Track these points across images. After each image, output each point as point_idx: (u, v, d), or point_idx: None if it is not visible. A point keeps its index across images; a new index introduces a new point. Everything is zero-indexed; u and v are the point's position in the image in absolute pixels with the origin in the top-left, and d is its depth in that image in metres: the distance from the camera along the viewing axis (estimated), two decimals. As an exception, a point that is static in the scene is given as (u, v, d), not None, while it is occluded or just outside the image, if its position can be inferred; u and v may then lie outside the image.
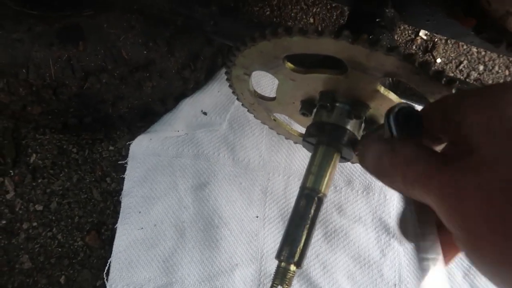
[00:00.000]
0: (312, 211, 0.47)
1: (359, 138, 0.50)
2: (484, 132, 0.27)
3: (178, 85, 0.75)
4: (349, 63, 0.42)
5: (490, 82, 0.88)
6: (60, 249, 0.79)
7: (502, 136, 0.26)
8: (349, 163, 0.77)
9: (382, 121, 0.52)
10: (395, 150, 0.34)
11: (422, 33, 0.92)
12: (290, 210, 0.75)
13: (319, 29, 0.40)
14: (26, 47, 0.63)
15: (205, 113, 0.81)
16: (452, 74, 0.88)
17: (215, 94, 0.82)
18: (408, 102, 0.41)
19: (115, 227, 0.76)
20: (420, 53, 0.90)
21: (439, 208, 0.28)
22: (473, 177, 0.26)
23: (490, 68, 0.89)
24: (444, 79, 0.39)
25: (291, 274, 0.45)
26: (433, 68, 0.38)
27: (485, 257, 0.26)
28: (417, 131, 0.35)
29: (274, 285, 0.45)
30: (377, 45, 0.38)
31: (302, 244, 0.46)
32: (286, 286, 0.45)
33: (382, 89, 0.45)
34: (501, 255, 0.25)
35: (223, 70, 0.83)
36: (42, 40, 0.63)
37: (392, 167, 0.34)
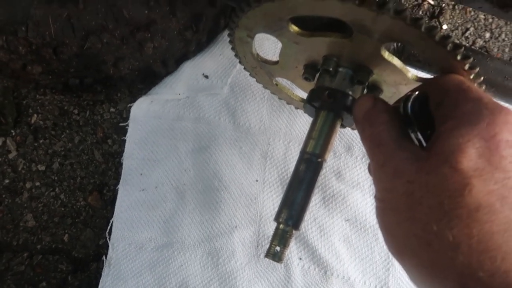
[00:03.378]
0: (311, 175, 0.48)
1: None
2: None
3: (180, 46, 0.74)
4: (354, 26, 0.41)
5: (495, 50, 0.87)
6: (63, 209, 0.81)
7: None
8: (349, 129, 0.77)
9: (384, 87, 0.52)
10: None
11: (429, -2, 0.90)
12: (289, 174, 0.76)
13: (325, -10, 0.39)
14: (24, 4, 0.62)
15: (206, 77, 0.80)
16: (457, 41, 0.87)
17: (217, 57, 0.81)
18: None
19: (116, 188, 0.77)
20: (426, 19, 0.89)
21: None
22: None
23: (497, 35, 0.87)
24: (450, 45, 0.38)
25: (289, 236, 0.47)
26: (439, 34, 0.38)
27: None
28: (429, 118, 0.38)
29: (273, 245, 0.46)
30: (384, 8, 0.37)
31: (300, 207, 0.47)
32: (284, 247, 0.46)
33: (386, 54, 0.44)
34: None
35: (226, 32, 0.82)
36: (41, -3, 0.62)
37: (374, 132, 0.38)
